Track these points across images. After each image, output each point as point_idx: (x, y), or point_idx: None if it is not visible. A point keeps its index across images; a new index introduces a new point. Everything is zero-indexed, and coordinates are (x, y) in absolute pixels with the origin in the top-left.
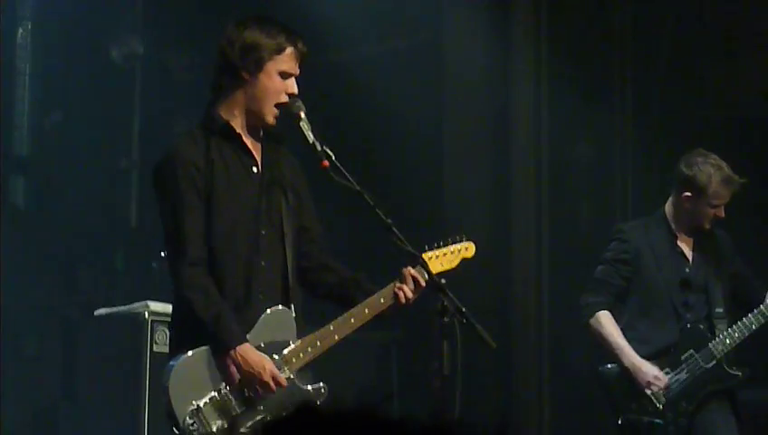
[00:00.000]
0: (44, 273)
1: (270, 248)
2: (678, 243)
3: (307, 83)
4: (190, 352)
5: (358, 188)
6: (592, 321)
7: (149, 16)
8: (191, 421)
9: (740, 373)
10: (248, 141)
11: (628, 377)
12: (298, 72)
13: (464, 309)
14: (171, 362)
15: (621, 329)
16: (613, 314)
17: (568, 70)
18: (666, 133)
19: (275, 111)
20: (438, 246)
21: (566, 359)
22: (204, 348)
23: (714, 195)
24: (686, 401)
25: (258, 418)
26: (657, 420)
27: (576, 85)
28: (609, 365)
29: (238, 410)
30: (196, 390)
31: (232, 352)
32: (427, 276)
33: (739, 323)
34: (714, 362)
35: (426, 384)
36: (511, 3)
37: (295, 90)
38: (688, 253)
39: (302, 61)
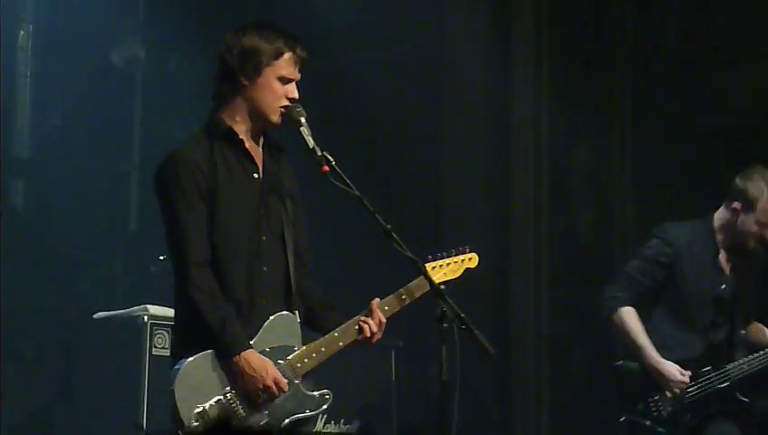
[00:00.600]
0: (44, 275)
1: (271, 254)
2: (719, 257)
3: (307, 88)
4: (195, 356)
5: (357, 193)
6: (615, 316)
7: (150, 20)
8: (197, 424)
9: (748, 400)
10: (250, 147)
11: (643, 378)
12: (298, 76)
13: (463, 315)
14: (176, 366)
15: (646, 329)
16: (639, 313)
17: (568, 77)
18: (665, 141)
19: (279, 111)
20: (442, 256)
21: (564, 366)
22: (208, 351)
23: (762, 212)
24: (691, 414)
25: (263, 422)
26: (660, 429)
27: (576, 92)
28: (623, 362)
29: (243, 414)
30: (201, 393)
31: (236, 357)
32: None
33: (761, 352)
34: (727, 383)
35: (424, 390)
36: (512, 10)
37: (296, 94)
38: (726, 269)
39: (303, 66)
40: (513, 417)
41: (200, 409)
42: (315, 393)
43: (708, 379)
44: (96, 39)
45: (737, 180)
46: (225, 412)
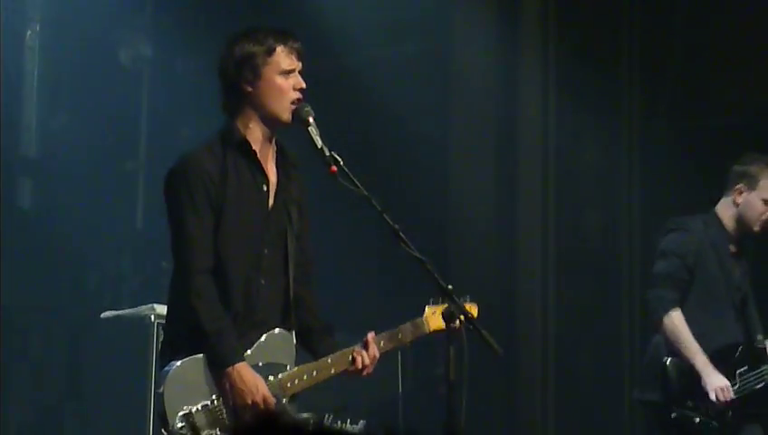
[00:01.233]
0: (51, 274)
1: (272, 268)
2: (731, 245)
3: (315, 87)
4: (187, 359)
5: (365, 193)
6: (666, 319)
7: (158, 19)
8: (181, 425)
9: None
10: (262, 158)
11: (693, 375)
12: (298, 65)
13: (470, 315)
14: (166, 368)
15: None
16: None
17: (575, 77)
18: (673, 142)
19: (290, 107)
20: (442, 302)
21: (571, 365)
22: (200, 356)
23: (766, 187)
24: (733, 412)
25: None
26: (714, 423)
27: (583, 93)
28: (670, 359)
29: (227, 424)
30: (189, 395)
31: (229, 368)
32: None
33: None
34: (762, 384)
35: (432, 390)
36: (519, 10)
37: (302, 84)
38: (737, 258)
39: (301, 56)
40: (519, 417)
41: (186, 411)
42: (302, 416)
43: (746, 379)
44: (103, 38)
45: (736, 167)
46: (210, 418)
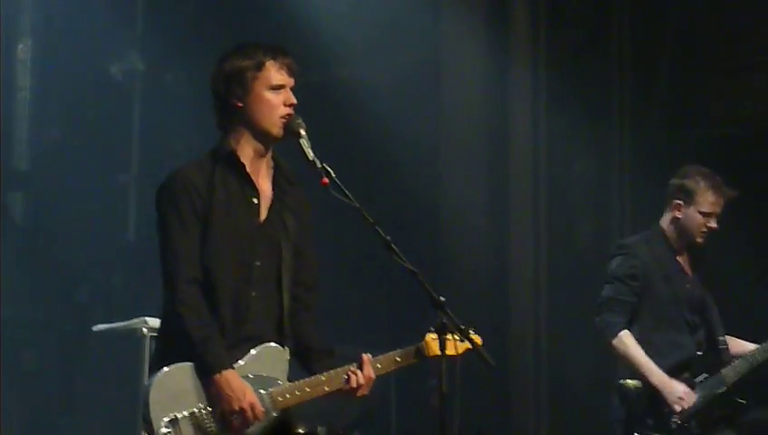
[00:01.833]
0: (43, 288)
1: (263, 281)
2: (678, 258)
3: (306, 100)
4: (174, 366)
5: (357, 205)
6: (615, 341)
7: (149, 33)
8: (166, 431)
9: (745, 402)
10: (252, 172)
11: (650, 394)
12: (290, 81)
13: (463, 327)
14: (153, 376)
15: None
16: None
17: (566, 87)
18: (664, 150)
19: (280, 122)
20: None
21: (564, 376)
22: (188, 364)
23: (703, 202)
24: (697, 422)
25: None
26: (676, 430)
27: (574, 102)
28: (624, 381)
29: (215, 432)
30: (175, 402)
31: (216, 375)
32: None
33: (747, 356)
34: (724, 388)
35: (424, 402)
36: (509, 20)
37: (293, 99)
38: (687, 270)
39: (292, 71)
40: (512, 427)
41: (172, 416)
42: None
43: (708, 385)
44: (95, 52)
45: (673, 180)
46: (196, 426)
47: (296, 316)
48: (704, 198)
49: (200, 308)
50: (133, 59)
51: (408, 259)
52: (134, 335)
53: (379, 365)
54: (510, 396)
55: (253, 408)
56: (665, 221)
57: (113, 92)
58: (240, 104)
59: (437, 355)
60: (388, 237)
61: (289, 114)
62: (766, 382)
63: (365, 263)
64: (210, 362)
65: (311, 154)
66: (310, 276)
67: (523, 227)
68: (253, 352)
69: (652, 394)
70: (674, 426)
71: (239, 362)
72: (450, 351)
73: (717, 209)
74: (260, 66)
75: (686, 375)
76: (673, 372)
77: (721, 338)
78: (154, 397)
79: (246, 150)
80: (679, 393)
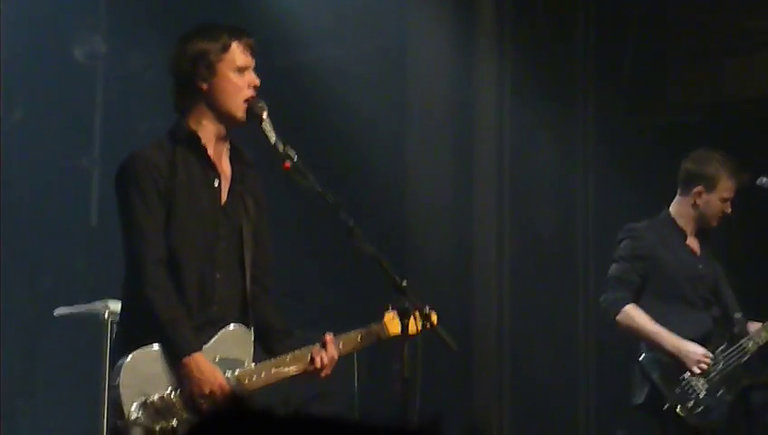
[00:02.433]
0: (4, 271)
1: (227, 263)
2: (687, 242)
3: (269, 84)
4: (141, 349)
5: (320, 189)
6: (620, 317)
7: (112, 15)
8: (137, 415)
9: None
10: (213, 154)
11: (670, 362)
12: (252, 62)
13: (426, 312)
14: (120, 360)
15: None
16: None
17: (531, 75)
18: (629, 138)
19: (244, 105)
20: (398, 301)
21: (527, 362)
22: (156, 346)
23: (724, 188)
24: (726, 389)
25: None
26: (706, 397)
27: (538, 90)
28: (646, 354)
29: (183, 416)
30: (145, 386)
31: (186, 358)
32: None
33: (766, 325)
34: (747, 356)
35: (387, 386)
36: (475, 7)
37: (256, 81)
38: (698, 251)
39: (254, 52)
40: (475, 413)
41: (142, 400)
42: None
43: (728, 355)
44: (58, 34)
45: (690, 165)
46: (167, 408)
47: (256, 298)
48: (725, 184)
49: (168, 290)
50: (96, 41)
51: (372, 244)
52: (96, 319)
53: (341, 345)
54: (472, 381)
55: (222, 390)
56: (678, 206)
57: (76, 75)
58: (204, 86)
59: (397, 334)
60: (351, 221)
61: (252, 96)
62: None
63: (319, 246)
64: (179, 344)
65: (273, 138)
66: (267, 259)
67: (487, 213)
68: (219, 334)
69: (671, 362)
70: (702, 392)
71: (205, 345)
72: (411, 330)
73: (733, 195)
74: (225, 48)
75: (706, 348)
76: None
77: (737, 315)
78: (125, 381)
79: (207, 133)
80: (698, 356)
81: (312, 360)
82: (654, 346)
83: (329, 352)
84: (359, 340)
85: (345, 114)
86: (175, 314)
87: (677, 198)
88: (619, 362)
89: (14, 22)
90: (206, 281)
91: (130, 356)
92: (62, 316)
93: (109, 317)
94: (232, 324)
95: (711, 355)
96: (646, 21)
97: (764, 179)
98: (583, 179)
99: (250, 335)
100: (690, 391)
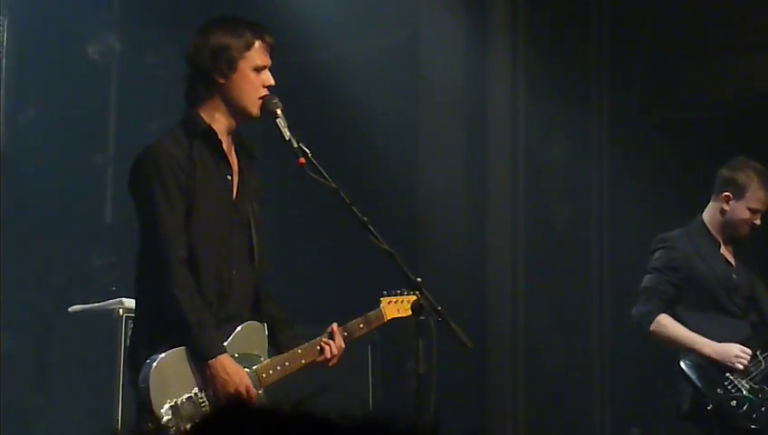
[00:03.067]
0: (19, 268)
1: (241, 258)
2: (721, 251)
3: (284, 81)
4: (170, 351)
5: (334, 185)
6: (654, 327)
7: (126, 12)
8: (168, 417)
9: None
10: (227, 148)
11: (708, 365)
12: (270, 62)
13: (440, 308)
14: (149, 361)
15: None
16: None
17: (545, 70)
18: (643, 134)
19: (259, 102)
20: (398, 293)
21: (541, 358)
22: (181, 348)
23: (753, 198)
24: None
25: None
26: (749, 395)
27: (553, 85)
28: (684, 359)
29: None
30: (173, 387)
31: (212, 360)
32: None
33: None
34: None
35: (401, 383)
36: (489, 3)
37: (272, 81)
38: (731, 260)
39: (272, 51)
40: (489, 410)
41: (172, 402)
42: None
43: None
44: (72, 32)
45: (724, 171)
46: (195, 409)
47: (261, 291)
48: (755, 194)
49: (193, 291)
50: (110, 39)
51: (385, 240)
52: (110, 316)
53: (345, 333)
54: (487, 377)
55: (248, 390)
56: (709, 212)
57: (90, 73)
58: (222, 80)
59: (394, 318)
60: (365, 218)
61: (266, 94)
62: None
63: (327, 242)
64: (206, 346)
65: (287, 134)
66: (266, 251)
67: (501, 209)
68: (236, 331)
69: (710, 365)
70: (745, 390)
71: (224, 342)
72: (402, 313)
73: (765, 207)
74: (249, 46)
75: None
76: None
77: None
78: (154, 383)
79: (220, 126)
80: (735, 352)
81: (322, 350)
82: (692, 352)
83: (336, 341)
84: (360, 326)
85: (359, 111)
86: (201, 315)
87: (710, 203)
88: (638, 363)
89: (28, 20)
90: (224, 277)
91: (159, 358)
92: (76, 313)
93: (123, 314)
94: (246, 319)
95: (748, 350)
96: (660, 18)
97: None
98: (597, 175)
99: (264, 331)
100: (734, 390)
